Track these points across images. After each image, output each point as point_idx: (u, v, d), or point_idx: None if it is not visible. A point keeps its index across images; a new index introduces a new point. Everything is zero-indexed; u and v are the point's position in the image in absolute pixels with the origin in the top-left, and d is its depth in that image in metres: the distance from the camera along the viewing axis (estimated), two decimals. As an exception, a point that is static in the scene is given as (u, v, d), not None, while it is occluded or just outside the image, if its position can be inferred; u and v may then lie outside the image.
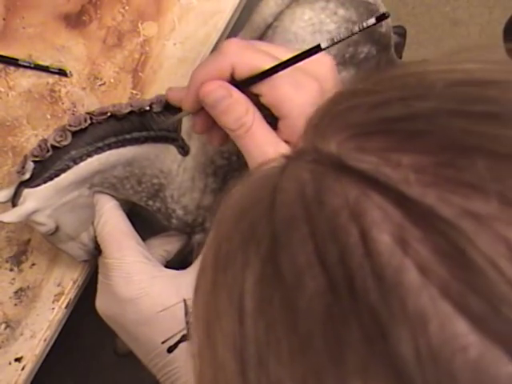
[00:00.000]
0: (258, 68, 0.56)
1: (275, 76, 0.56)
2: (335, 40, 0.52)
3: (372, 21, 0.50)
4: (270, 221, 0.29)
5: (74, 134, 0.61)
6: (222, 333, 0.30)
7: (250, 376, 0.28)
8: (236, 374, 0.29)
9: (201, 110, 0.59)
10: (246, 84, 0.57)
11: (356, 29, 0.50)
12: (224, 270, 0.31)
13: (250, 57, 0.57)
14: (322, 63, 0.57)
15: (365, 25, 0.50)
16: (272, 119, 0.57)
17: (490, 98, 0.28)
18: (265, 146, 0.56)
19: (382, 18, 0.50)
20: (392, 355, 0.24)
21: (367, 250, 0.25)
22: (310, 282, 0.26)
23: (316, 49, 0.53)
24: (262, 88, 0.56)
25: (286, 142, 0.57)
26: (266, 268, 0.28)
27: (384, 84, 0.32)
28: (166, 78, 0.75)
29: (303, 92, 0.56)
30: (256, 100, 0.57)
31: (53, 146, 0.61)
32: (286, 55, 0.56)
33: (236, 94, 0.56)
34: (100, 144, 0.61)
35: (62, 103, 0.75)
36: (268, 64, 0.56)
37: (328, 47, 0.53)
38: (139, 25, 0.77)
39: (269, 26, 0.67)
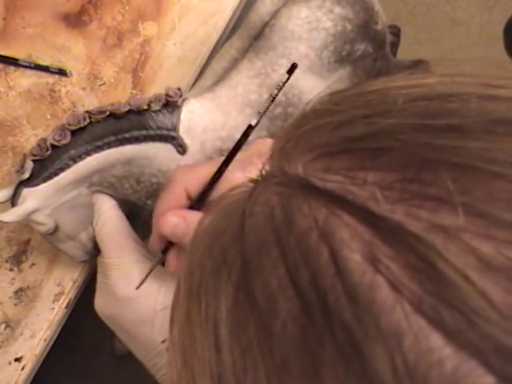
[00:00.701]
0: (206, 178, 0.58)
1: (224, 175, 0.58)
2: (261, 112, 0.55)
3: (285, 76, 0.53)
4: (240, 247, 0.29)
5: (73, 132, 0.61)
6: (198, 361, 0.30)
7: None
8: None
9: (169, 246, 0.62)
10: (203, 197, 0.59)
11: (275, 91, 0.53)
12: (197, 298, 0.31)
13: (196, 173, 0.59)
14: (262, 141, 0.59)
15: (281, 84, 0.53)
16: None
17: (451, 111, 0.28)
18: None
19: (292, 69, 0.53)
20: (369, 373, 0.23)
21: (338, 270, 0.25)
22: (284, 305, 0.26)
23: (248, 129, 0.56)
24: (220, 189, 0.58)
25: None
26: (239, 294, 0.28)
27: (346, 103, 0.32)
28: (166, 78, 0.75)
29: (253, 167, 0.57)
30: None
31: (52, 145, 0.61)
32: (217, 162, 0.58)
33: (189, 215, 0.58)
34: (99, 143, 0.61)
35: (62, 103, 0.75)
36: (212, 169, 0.58)
37: (257, 122, 0.56)
38: (139, 25, 0.77)
39: (265, 24, 0.67)
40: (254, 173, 0.34)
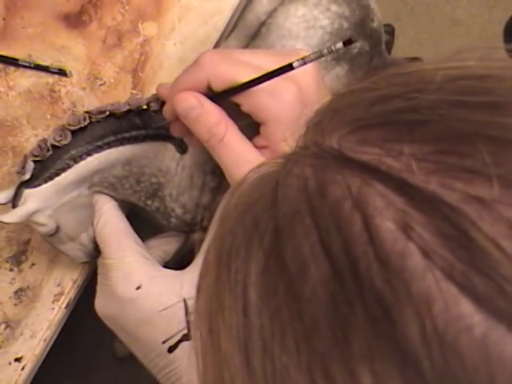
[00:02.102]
0: (232, 80, 0.57)
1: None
2: (306, 61, 0.53)
3: (340, 45, 0.51)
4: (272, 214, 0.29)
5: (74, 133, 0.61)
6: (225, 326, 0.30)
7: (255, 366, 0.28)
8: (241, 366, 0.29)
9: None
10: (221, 96, 0.58)
11: (325, 51, 0.51)
12: (227, 265, 0.31)
13: (225, 70, 0.58)
14: (305, 71, 0.58)
15: (333, 48, 0.51)
16: (256, 125, 0.58)
17: (488, 89, 0.29)
18: (238, 157, 0.57)
19: (349, 42, 0.50)
20: (398, 337, 0.24)
21: (371, 238, 0.25)
22: (315, 270, 0.26)
23: (288, 68, 0.54)
24: (240, 97, 0.58)
25: (266, 147, 0.58)
26: (270, 260, 0.28)
27: (383, 82, 0.32)
28: (166, 78, 0.75)
29: (280, 99, 0.57)
30: (237, 108, 0.58)
31: (53, 146, 0.61)
32: (264, 62, 0.57)
33: (207, 104, 0.58)
34: (99, 143, 0.61)
35: (62, 103, 0.75)
36: (243, 76, 0.57)
37: (298, 66, 0.54)
38: (139, 25, 0.77)
39: (262, 24, 0.67)
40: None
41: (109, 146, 0.62)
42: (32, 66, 0.75)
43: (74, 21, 0.77)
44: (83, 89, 0.75)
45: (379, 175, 0.27)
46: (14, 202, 0.61)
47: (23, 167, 0.61)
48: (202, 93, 0.58)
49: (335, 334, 0.25)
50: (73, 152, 0.61)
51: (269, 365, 0.27)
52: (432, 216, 0.25)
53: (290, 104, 0.57)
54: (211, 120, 0.57)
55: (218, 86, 0.57)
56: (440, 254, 0.24)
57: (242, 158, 0.57)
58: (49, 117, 0.74)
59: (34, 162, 0.61)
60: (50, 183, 0.61)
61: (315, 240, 0.27)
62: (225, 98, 0.57)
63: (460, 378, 0.23)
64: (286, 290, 0.27)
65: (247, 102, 0.58)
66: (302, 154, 0.31)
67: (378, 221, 0.25)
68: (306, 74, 0.58)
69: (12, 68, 0.76)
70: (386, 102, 0.30)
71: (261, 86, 0.56)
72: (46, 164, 0.61)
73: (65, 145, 0.61)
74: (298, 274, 0.27)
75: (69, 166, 0.61)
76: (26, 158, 0.62)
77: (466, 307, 0.23)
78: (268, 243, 0.29)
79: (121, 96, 0.75)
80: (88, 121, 0.61)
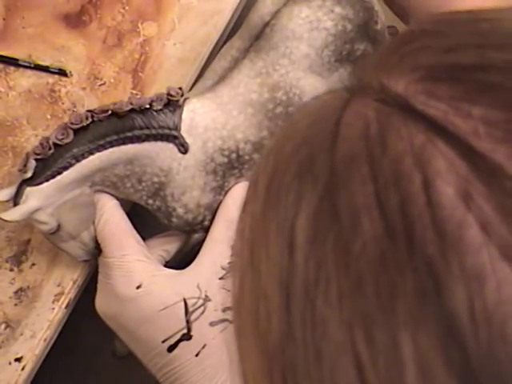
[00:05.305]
0: None
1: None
2: None
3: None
4: (330, 155, 0.28)
5: (76, 131, 0.61)
6: (267, 262, 0.29)
7: (293, 311, 0.27)
8: (279, 307, 0.28)
9: None
10: None
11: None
12: (277, 197, 0.30)
13: None
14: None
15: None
16: None
17: None
18: None
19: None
20: (445, 311, 0.23)
21: (429, 200, 0.24)
22: (367, 224, 0.26)
23: None
24: None
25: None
26: (322, 204, 0.27)
27: (457, 27, 0.31)
28: (166, 78, 0.75)
29: None
30: None
31: (55, 144, 0.61)
32: None
33: None
34: (101, 142, 0.61)
35: (62, 103, 0.75)
36: None
37: None
38: (139, 25, 0.77)
39: (266, 24, 0.67)
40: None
41: (111, 145, 0.62)
42: (32, 66, 0.75)
43: (74, 21, 0.77)
44: (83, 89, 0.76)
45: (444, 134, 0.25)
46: (16, 199, 0.61)
47: (25, 165, 0.61)
48: None
49: (381, 295, 0.25)
50: (75, 151, 0.61)
51: (308, 313, 0.27)
52: (494, 189, 0.24)
53: None
54: None
55: None
56: (498, 230, 0.23)
57: None
58: (49, 117, 0.75)
59: (36, 160, 0.61)
60: (52, 181, 0.61)
61: (370, 192, 0.26)
62: None
63: (503, 362, 0.22)
64: (336, 239, 0.26)
65: None
66: (367, 93, 0.30)
67: (438, 184, 0.24)
68: None
69: (12, 68, 0.76)
70: (458, 53, 0.28)
71: None
72: (47, 162, 0.61)
73: (67, 143, 0.61)
74: (350, 225, 0.26)
75: (70, 165, 0.61)
76: (27, 156, 0.62)
77: None
78: (322, 186, 0.28)
79: (121, 96, 0.75)
80: (90, 120, 0.61)
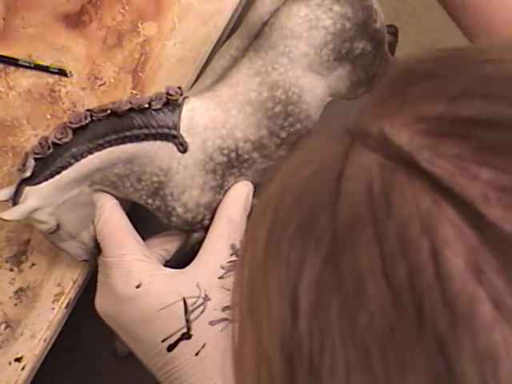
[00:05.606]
0: None
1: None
2: None
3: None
4: (332, 213, 0.27)
5: (75, 131, 0.61)
6: (269, 320, 0.28)
7: (298, 379, 0.26)
8: (282, 374, 0.27)
9: None
10: None
11: None
12: (277, 252, 0.29)
13: None
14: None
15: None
16: None
17: None
18: None
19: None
20: None
21: (438, 272, 0.23)
22: (373, 293, 0.24)
23: None
24: None
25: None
26: (326, 267, 0.26)
27: (460, 71, 0.29)
28: (166, 78, 0.75)
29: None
30: None
31: (54, 143, 0.61)
32: None
33: None
34: (100, 141, 0.61)
35: (62, 103, 0.75)
36: None
37: None
38: (139, 25, 0.77)
39: (265, 23, 0.67)
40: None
41: (110, 144, 0.62)
42: (32, 66, 0.75)
43: (74, 21, 0.77)
44: (83, 89, 0.76)
45: (452, 197, 0.24)
46: (15, 199, 0.61)
47: (24, 164, 0.61)
48: None
49: (389, 371, 0.24)
50: (74, 150, 0.61)
51: (314, 383, 0.26)
52: (506, 262, 0.22)
53: None
54: None
55: None
56: (511, 307, 0.22)
57: None
58: (49, 117, 0.75)
59: (35, 159, 0.61)
60: (51, 181, 0.61)
61: (376, 255, 0.25)
62: None
63: None
64: (341, 308, 0.25)
65: None
66: (368, 142, 0.28)
67: (447, 254, 0.23)
68: None
69: (12, 68, 0.76)
70: (462, 103, 0.27)
71: None
72: (46, 162, 0.61)
73: (66, 143, 0.61)
74: (355, 293, 0.25)
75: (70, 164, 0.61)
76: (26, 155, 0.62)
77: None
78: (325, 247, 0.27)
79: (121, 96, 0.75)
80: (89, 119, 0.61)
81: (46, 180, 0.61)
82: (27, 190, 0.61)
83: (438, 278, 0.23)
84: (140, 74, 0.76)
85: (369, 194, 0.26)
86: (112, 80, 0.76)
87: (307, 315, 0.26)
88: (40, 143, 0.61)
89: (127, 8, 0.77)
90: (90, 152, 0.61)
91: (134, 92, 0.75)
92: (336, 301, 0.25)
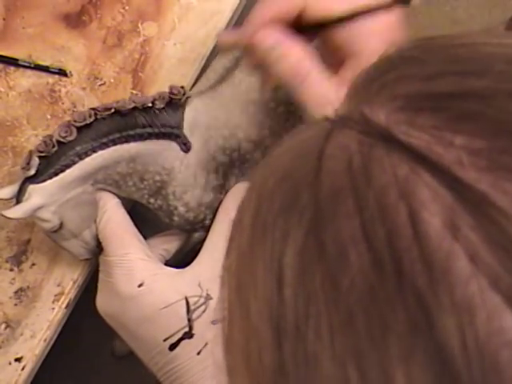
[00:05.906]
0: (328, 10, 0.54)
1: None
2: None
3: None
4: (314, 189, 0.28)
5: (79, 129, 0.61)
6: (256, 299, 0.29)
7: (285, 347, 0.27)
8: (270, 343, 0.28)
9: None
10: (314, 29, 0.55)
11: None
12: (263, 234, 0.30)
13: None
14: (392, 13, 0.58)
15: None
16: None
17: None
18: (321, 97, 0.54)
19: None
20: (437, 344, 0.23)
21: (416, 232, 0.24)
22: (355, 258, 0.25)
23: (387, 5, 0.54)
24: (333, 29, 0.55)
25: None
26: (308, 240, 0.27)
27: (434, 53, 0.30)
28: (166, 78, 0.75)
29: (378, 33, 0.55)
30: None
31: (58, 142, 0.61)
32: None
33: (288, 43, 0.55)
34: (104, 140, 0.62)
35: (62, 103, 0.75)
36: (339, 6, 0.54)
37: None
38: (139, 25, 0.77)
39: None
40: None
41: (113, 143, 0.62)
42: (32, 66, 0.75)
43: (74, 21, 0.77)
44: (83, 89, 0.76)
45: (428, 164, 0.25)
46: (19, 197, 0.61)
47: (28, 163, 0.61)
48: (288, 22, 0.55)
49: (372, 330, 0.24)
50: (78, 148, 0.61)
51: (300, 349, 0.26)
52: (481, 219, 0.23)
53: (386, 39, 0.55)
54: (292, 59, 0.54)
55: (312, 15, 0.55)
56: (487, 261, 0.23)
57: (324, 97, 0.53)
58: (49, 117, 0.74)
59: (39, 157, 0.61)
60: (55, 179, 0.61)
61: (357, 225, 0.26)
62: (317, 31, 0.55)
63: None
64: (324, 275, 0.26)
65: (342, 32, 0.55)
66: (347, 124, 0.29)
67: (424, 215, 0.24)
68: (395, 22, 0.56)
69: (12, 68, 0.76)
70: (437, 81, 0.28)
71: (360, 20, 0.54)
72: (50, 160, 0.61)
73: (70, 141, 0.61)
74: (337, 260, 0.26)
75: (73, 162, 0.61)
76: (31, 153, 0.62)
77: (509, 321, 0.22)
78: (307, 221, 0.27)
79: (121, 96, 0.75)
80: (93, 117, 0.61)
81: (50, 178, 0.61)
82: (31, 188, 0.61)
83: (416, 238, 0.24)
84: (140, 74, 0.76)
85: (349, 169, 0.27)
86: (112, 80, 0.76)
87: (292, 284, 0.27)
88: (44, 141, 0.61)
89: (127, 8, 0.77)
90: (94, 150, 0.62)
91: (134, 92, 0.75)
92: (319, 268, 0.26)
